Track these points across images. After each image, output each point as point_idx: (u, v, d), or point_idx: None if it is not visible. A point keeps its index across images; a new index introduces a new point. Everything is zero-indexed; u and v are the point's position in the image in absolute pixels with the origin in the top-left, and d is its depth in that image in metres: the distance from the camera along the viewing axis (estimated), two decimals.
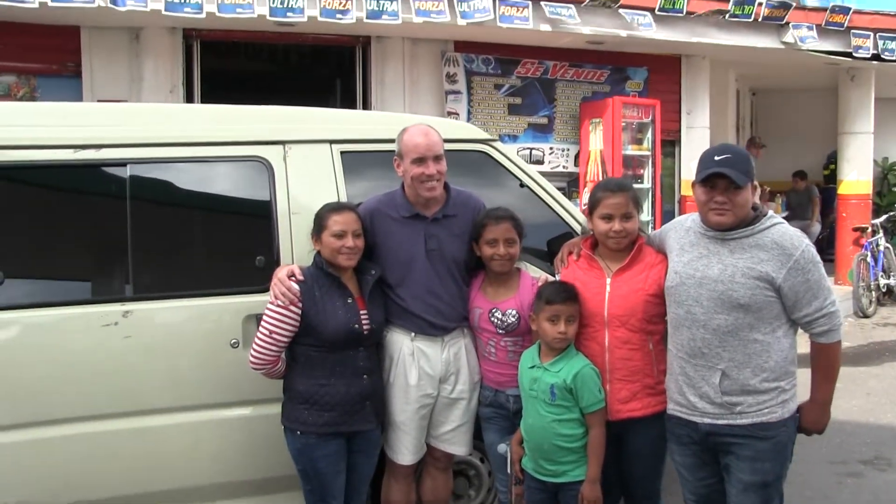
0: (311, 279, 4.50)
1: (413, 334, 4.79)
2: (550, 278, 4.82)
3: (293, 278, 4.45)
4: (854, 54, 13.24)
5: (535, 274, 4.95)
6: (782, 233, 4.05)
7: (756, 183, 4.14)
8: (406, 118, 5.51)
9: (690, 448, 4.25)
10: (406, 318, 4.79)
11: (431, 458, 5.01)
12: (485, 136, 5.57)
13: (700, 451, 4.22)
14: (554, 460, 4.44)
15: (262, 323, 4.45)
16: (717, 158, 4.04)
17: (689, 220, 4.36)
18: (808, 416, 4.18)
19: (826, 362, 4.14)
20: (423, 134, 4.71)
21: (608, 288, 4.45)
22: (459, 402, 4.90)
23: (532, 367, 4.49)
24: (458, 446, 4.98)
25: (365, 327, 4.56)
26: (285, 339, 4.46)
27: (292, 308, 4.41)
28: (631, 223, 4.45)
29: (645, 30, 11.73)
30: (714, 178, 4.01)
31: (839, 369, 4.21)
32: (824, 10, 13.37)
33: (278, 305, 4.40)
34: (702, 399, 4.11)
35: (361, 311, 4.57)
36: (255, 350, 4.45)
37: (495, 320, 4.76)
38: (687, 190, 13.18)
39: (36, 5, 9.22)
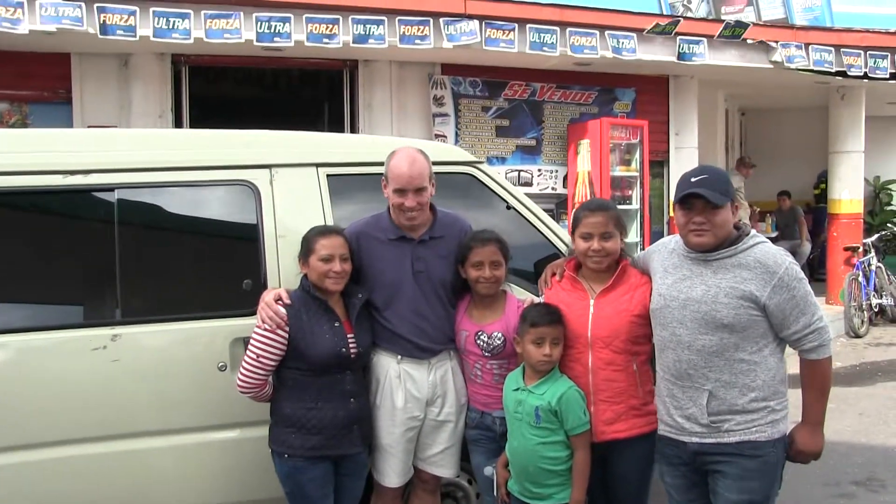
0: (298, 303, 4.51)
1: (399, 357, 4.80)
2: (536, 300, 4.83)
3: (280, 302, 4.47)
4: (848, 73, 13.26)
5: (521, 296, 4.96)
6: (765, 251, 4.05)
7: (739, 202, 4.14)
8: (392, 141, 5.55)
9: (679, 469, 4.25)
10: (393, 341, 4.80)
11: (419, 480, 5.00)
12: (470, 158, 5.59)
13: (689, 472, 4.22)
14: (539, 483, 4.44)
15: (250, 347, 4.46)
16: (693, 180, 4.07)
17: (672, 242, 4.38)
18: (801, 438, 4.13)
19: (817, 379, 4.10)
20: (409, 163, 4.70)
21: (591, 309, 4.46)
22: (446, 424, 4.90)
23: (516, 389, 4.50)
24: (445, 468, 4.98)
25: (352, 351, 4.56)
26: (272, 363, 4.47)
27: (279, 332, 4.42)
28: (611, 243, 4.46)
29: (629, 55, 11.81)
30: (691, 198, 4.04)
31: (830, 386, 4.17)
32: (813, 28, 13.44)
33: (265, 329, 4.42)
34: (689, 420, 4.12)
35: (349, 335, 4.58)
36: (242, 374, 4.46)
37: (481, 343, 4.76)
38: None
39: (27, 32, 9.27)
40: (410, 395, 4.78)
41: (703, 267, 4.11)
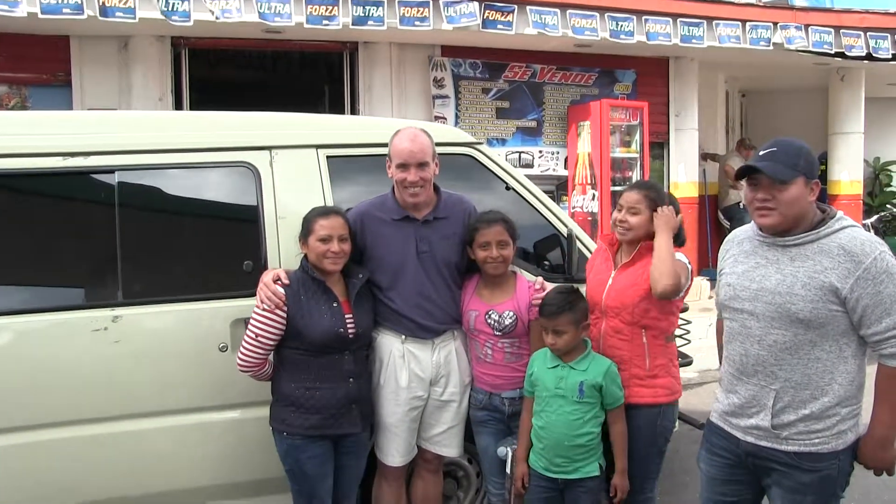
0: (297, 283, 4.53)
1: (403, 336, 4.81)
2: (546, 284, 4.89)
3: (279, 282, 4.49)
4: (847, 53, 13.28)
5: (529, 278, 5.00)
6: (852, 237, 3.54)
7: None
8: (392, 123, 5.54)
9: (721, 460, 3.92)
10: (397, 321, 4.81)
11: (422, 460, 5.03)
12: (470, 139, 5.60)
13: (731, 467, 3.88)
14: (570, 457, 4.49)
15: (249, 326, 4.49)
16: (761, 153, 3.66)
17: (744, 231, 3.96)
18: (865, 451, 3.66)
19: (892, 390, 3.59)
20: (411, 139, 4.72)
21: (610, 280, 4.63)
22: (450, 404, 4.92)
23: (555, 366, 4.55)
24: (449, 448, 5.00)
25: (350, 331, 4.57)
26: (271, 343, 4.50)
27: (278, 312, 4.44)
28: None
29: (627, 38, 11.82)
30: (753, 173, 3.66)
31: None
32: (813, 10, 13.43)
33: (264, 309, 4.44)
34: (748, 418, 3.76)
35: (347, 315, 4.58)
36: (242, 353, 4.50)
37: (492, 322, 4.78)
38: (675, 191, 13.22)
39: (25, 15, 9.27)
40: (414, 374, 4.80)
41: (779, 253, 3.67)
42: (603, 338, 4.62)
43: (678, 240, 4.60)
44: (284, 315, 4.47)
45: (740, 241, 3.91)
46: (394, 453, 4.86)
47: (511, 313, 4.77)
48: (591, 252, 5.51)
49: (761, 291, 3.66)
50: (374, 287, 4.82)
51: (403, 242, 4.81)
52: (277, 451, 4.58)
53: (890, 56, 13.52)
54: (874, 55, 13.42)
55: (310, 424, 4.49)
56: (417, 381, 4.81)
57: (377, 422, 4.85)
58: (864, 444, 3.65)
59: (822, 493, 3.66)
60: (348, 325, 4.57)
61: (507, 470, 4.78)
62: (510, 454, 4.76)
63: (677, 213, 4.63)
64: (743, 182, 3.71)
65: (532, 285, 4.87)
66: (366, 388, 4.74)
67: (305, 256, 4.62)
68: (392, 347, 4.82)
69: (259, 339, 4.46)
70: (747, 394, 3.75)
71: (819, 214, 3.65)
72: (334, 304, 4.56)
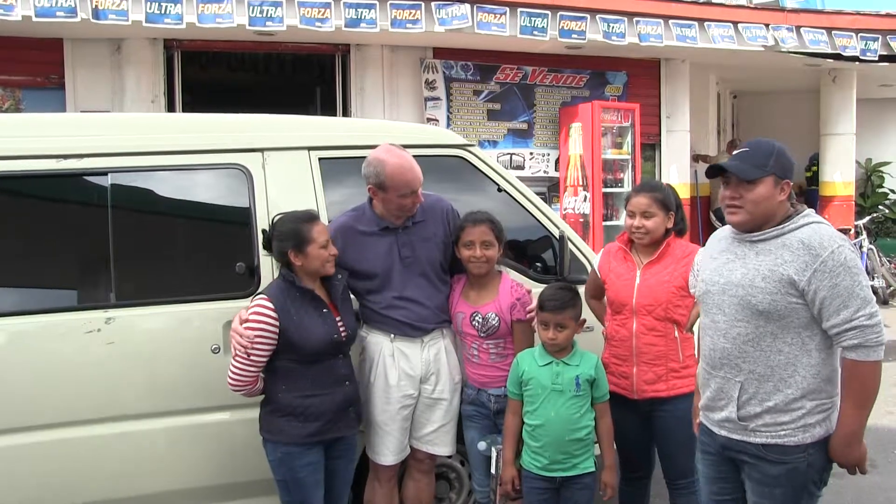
0: (282, 297, 4.44)
1: (392, 335, 4.84)
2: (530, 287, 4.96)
3: (263, 308, 4.38)
4: (842, 53, 13.32)
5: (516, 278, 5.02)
6: (813, 231, 3.61)
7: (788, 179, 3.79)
8: (384, 125, 5.58)
9: (708, 458, 4.01)
10: (386, 322, 4.84)
11: (415, 460, 5.04)
12: (462, 141, 5.60)
13: (717, 463, 3.95)
14: (570, 452, 4.54)
15: (238, 346, 4.39)
16: (735, 153, 3.77)
17: (722, 231, 4.05)
18: (834, 447, 3.65)
19: (855, 384, 3.57)
20: (410, 168, 4.70)
21: (637, 279, 4.74)
22: (441, 402, 4.94)
23: (547, 364, 4.59)
24: (441, 447, 5.01)
25: (343, 335, 4.56)
26: (264, 359, 4.41)
27: (270, 329, 4.35)
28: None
29: (618, 40, 11.85)
30: (720, 172, 3.74)
31: (873, 395, 3.60)
32: (804, 11, 13.48)
33: (255, 328, 4.33)
34: (719, 411, 3.83)
35: (337, 319, 4.57)
36: (234, 372, 4.41)
37: (476, 324, 4.82)
38: None
39: (19, 18, 9.29)
40: (404, 372, 4.82)
41: (747, 249, 3.75)
42: (636, 336, 4.71)
43: (679, 230, 4.81)
44: (276, 332, 4.37)
45: (719, 240, 3.99)
46: (386, 452, 4.87)
47: (494, 315, 4.81)
48: (583, 254, 5.55)
49: (728, 285, 3.75)
50: (359, 292, 4.86)
51: (387, 251, 4.84)
52: (269, 461, 4.53)
53: (880, 57, 13.56)
54: (865, 56, 13.45)
55: (308, 432, 4.44)
56: (407, 379, 4.83)
57: (368, 421, 4.86)
58: (832, 439, 3.66)
59: (791, 487, 3.69)
60: (340, 329, 4.56)
61: (493, 470, 4.81)
62: (494, 453, 4.79)
63: (677, 204, 4.79)
64: None
65: (515, 284, 4.91)
66: (358, 388, 4.75)
67: (287, 267, 4.52)
68: (381, 346, 4.84)
69: (251, 357, 4.36)
70: (716, 386, 3.84)
71: (789, 210, 3.73)
72: (324, 311, 4.53)
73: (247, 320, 4.35)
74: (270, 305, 4.36)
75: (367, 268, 4.82)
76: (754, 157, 3.69)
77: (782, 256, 3.60)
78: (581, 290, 4.98)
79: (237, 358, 4.38)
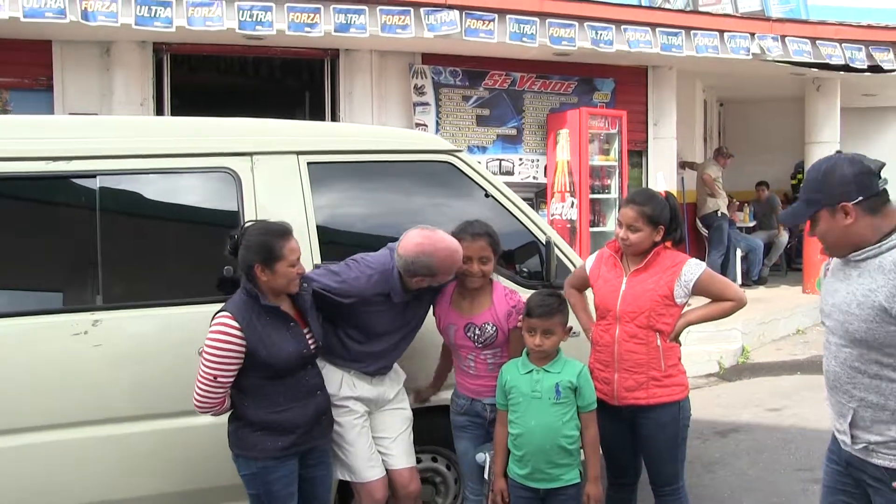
0: (247, 312, 4.28)
1: (352, 371, 4.83)
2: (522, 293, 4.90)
3: (229, 328, 4.23)
4: (829, 62, 13.39)
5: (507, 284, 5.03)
6: None
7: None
8: (374, 130, 5.58)
9: (831, 467, 3.69)
10: (348, 362, 4.82)
11: (399, 486, 4.91)
12: (450, 146, 5.62)
13: (839, 475, 3.64)
14: (554, 462, 4.50)
15: (204, 368, 4.24)
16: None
17: None
18: None
19: None
20: (457, 250, 4.65)
21: (623, 287, 4.71)
22: (396, 411, 4.97)
23: (528, 371, 4.56)
24: (398, 458, 4.92)
25: (312, 347, 4.50)
26: (230, 379, 4.30)
27: (235, 348, 4.21)
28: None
29: (606, 47, 11.89)
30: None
31: None
32: (789, 21, 13.55)
33: (220, 349, 4.21)
34: (842, 433, 3.52)
35: (305, 332, 4.50)
36: (200, 395, 4.28)
37: (472, 335, 4.78)
38: None
39: (7, 18, 9.28)
40: (354, 398, 4.82)
41: (850, 269, 3.43)
42: (618, 343, 4.68)
43: (677, 239, 4.76)
44: (243, 350, 4.23)
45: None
46: (363, 467, 4.78)
47: (491, 325, 4.76)
48: (570, 260, 5.57)
49: (833, 308, 3.48)
50: (340, 328, 4.80)
51: (395, 319, 4.82)
52: (242, 476, 4.45)
53: (865, 67, 13.64)
54: (850, 66, 13.53)
55: (283, 445, 4.35)
56: (357, 403, 4.83)
57: (338, 450, 4.81)
58: None
59: None
60: (309, 343, 4.49)
61: (486, 476, 4.78)
62: (489, 460, 4.75)
63: (674, 213, 4.72)
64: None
65: (508, 291, 4.88)
66: (328, 396, 4.67)
67: (250, 280, 4.35)
68: (333, 377, 4.78)
69: (218, 379, 4.23)
70: (836, 410, 3.56)
71: (890, 229, 3.35)
72: (292, 325, 4.42)
73: (210, 339, 4.24)
74: (235, 324, 4.22)
75: (372, 327, 4.77)
76: (804, 192, 3.47)
77: (876, 280, 3.27)
78: None
79: (202, 380, 4.25)
